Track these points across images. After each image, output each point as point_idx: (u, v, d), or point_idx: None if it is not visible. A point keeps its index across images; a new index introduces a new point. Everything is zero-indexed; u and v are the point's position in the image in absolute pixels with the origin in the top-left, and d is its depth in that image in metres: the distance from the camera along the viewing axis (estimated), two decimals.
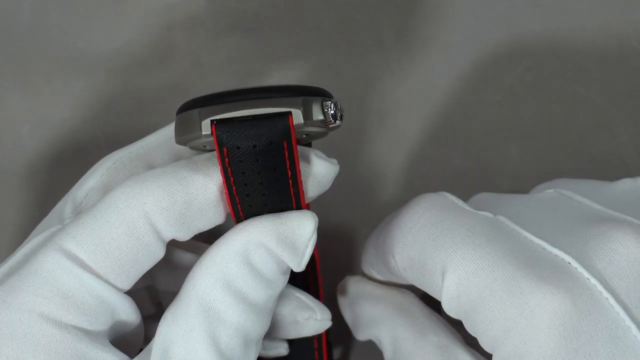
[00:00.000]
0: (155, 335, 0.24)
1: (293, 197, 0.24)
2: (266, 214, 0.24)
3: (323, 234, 0.36)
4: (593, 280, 0.23)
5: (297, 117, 0.22)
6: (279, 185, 0.23)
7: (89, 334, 0.24)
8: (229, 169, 0.23)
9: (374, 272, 0.29)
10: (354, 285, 0.30)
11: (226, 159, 0.22)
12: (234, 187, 0.23)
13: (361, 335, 0.30)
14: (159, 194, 0.24)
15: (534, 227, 0.25)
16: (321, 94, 0.23)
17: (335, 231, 0.37)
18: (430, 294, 0.26)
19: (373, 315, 0.29)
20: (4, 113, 0.38)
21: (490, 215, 0.26)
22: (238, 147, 0.22)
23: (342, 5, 0.40)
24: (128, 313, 0.25)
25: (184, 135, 0.23)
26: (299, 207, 0.24)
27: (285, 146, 0.22)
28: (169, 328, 0.24)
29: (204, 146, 0.24)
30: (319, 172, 0.25)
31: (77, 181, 0.37)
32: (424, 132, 0.38)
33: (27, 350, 0.23)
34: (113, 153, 0.28)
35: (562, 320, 0.22)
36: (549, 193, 0.28)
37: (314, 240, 0.25)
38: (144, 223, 0.24)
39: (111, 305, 0.24)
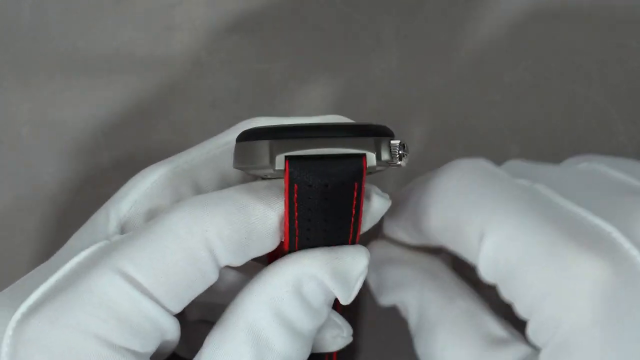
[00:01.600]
0: (201, 357, 0.24)
1: (351, 234, 0.24)
2: (320, 246, 0.24)
3: None
4: (635, 252, 0.23)
5: (371, 159, 0.22)
6: (341, 222, 0.23)
7: (138, 356, 0.23)
8: (296, 205, 0.23)
9: (401, 233, 0.29)
10: (381, 249, 0.30)
11: (295, 195, 0.22)
12: (296, 222, 0.23)
13: (385, 299, 0.29)
14: (221, 222, 0.23)
15: (574, 196, 0.25)
16: (388, 134, 0.23)
17: None
18: (464, 257, 0.26)
19: (401, 279, 0.29)
20: (4, 113, 0.38)
21: (527, 183, 0.26)
22: (309, 185, 0.22)
23: (342, 5, 0.40)
24: (175, 335, 0.25)
25: (250, 164, 0.23)
26: (354, 242, 0.24)
27: (356, 187, 0.22)
28: (214, 352, 0.24)
29: (265, 175, 0.24)
30: (375, 208, 0.25)
31: (76, 181, 0.37)
32: (424, 132, 0.38)
33: None
34: (156, 165, 0.27)
35: (603, 289, 0.22)
36: (584, 166, 0.28)
37: (365, 275, 0.24)
38: (204, 251, 0.23)
39: (163, 329, 0.24)
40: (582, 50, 0.39)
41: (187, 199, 0.24)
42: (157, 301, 0.23)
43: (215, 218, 0.23)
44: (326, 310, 0.25)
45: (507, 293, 0.25)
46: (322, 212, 0.23)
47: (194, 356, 0.25)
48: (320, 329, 0.27)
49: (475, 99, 0.39)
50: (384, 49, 0.39)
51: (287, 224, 0.23)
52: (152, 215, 0.26)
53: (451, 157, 0.37)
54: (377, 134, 0.23)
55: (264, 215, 0.24)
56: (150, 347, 0.24)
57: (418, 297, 0.28)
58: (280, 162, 0.22)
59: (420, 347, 0.28)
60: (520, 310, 0.24)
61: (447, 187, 0.26)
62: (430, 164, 0.38)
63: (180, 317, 0.26)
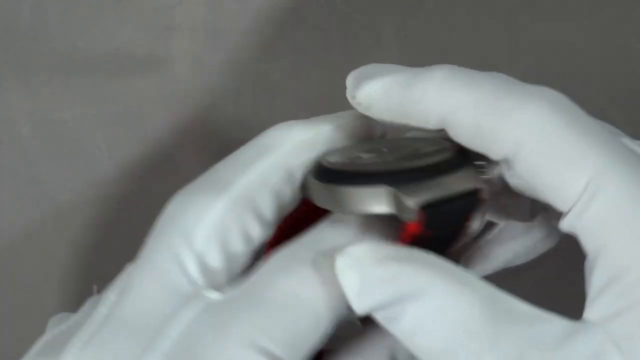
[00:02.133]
0: None
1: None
2: None
3: None
4: None
5: (485, 192, 0.24)
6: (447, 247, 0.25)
7: None
8: (411, 244, 0.23)
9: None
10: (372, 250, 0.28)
11: (417, 235, 0.23)
12: None
13: None
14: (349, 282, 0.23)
15: None
16: (474, 157, 0.24)
17: None
18: (544, 186, 0.24)
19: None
20: (4, 113, 0.38)
21: (612, 131, 0.25)
22: (442, 228, 0.23)
23: (342, 5, 0.40)
24: None
25: (363, 210, 0.23)
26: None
27: (470, 218, 0.24)
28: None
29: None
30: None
31: (76, 181, 0.37)
32: None
33: None
34: (209, 193, 0.25)
35: None
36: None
37: None
38: (328, 313, 0.23)
39: None
40: (582, 50, 0.39)
41: (294, 255, 0.24)
42: None
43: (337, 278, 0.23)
44: None
45: (594, 244, 0.23)
46: (435, 244, 0.24)
47: None
48: None
49: None
50: (384, 49, 0.39)
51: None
52: (228, 255, 0.25)
53: None
54: (471, 160, 0.24)
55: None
56: None
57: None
58: (412, 209, 0.23)
59: None
60: (602, 264, 0.23)
61: (549, 119, 0.24)
62: None
63: None
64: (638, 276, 0.22)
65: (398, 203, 0.23)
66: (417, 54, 0.39)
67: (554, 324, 0.23)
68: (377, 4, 0.40)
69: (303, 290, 0.23)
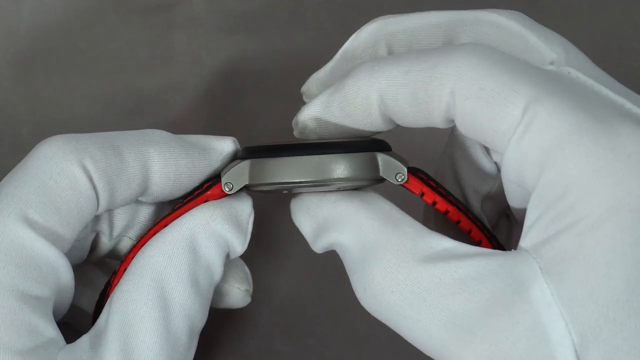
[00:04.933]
0: (108, 313, 0.24)
1: None
2: None
3: None
4: None
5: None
6: None
7: (41, 303, 0.24)
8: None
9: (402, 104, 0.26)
10: (312, 195, 0.27)
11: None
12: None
13: (321, 242, 0.26)
14: (96, 153, 0.25)
15: (606, 83, 0.25)
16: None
17: None
18: (484, 128, 0.24)
19: (336, 215, 0.26)
20: (4, 113, 0.38)
21: (554, 68, 0.25)
22: None
23: (342, 5, 0.40)
24: (68, 277, 0.25)
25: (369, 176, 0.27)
26: None
27: None
28: (124, 306, 0.24)
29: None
30: None
31: None
32: (424, 132, 0.38)
33: None
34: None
35: None
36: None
37: (253, 216, 0.26)
38: (83, 175, 0.24)
39: (56, 265, 0.24)
40: (582, 50, 0.39)
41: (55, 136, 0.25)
42: (51, 236, 0.24)
43: (90, 148, 0.25)
44: (222, 263, 0.26)
45: (533, 175, 0.23)
46: None
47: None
48: (229, 281, 0.28)
49: None
50: None
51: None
52: None
53: None
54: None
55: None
56: (49, 292, 0.24)
57: (357, 229, 0.25)
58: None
59: (359, 283, 0.24)
60: (539, 192, 0.23)
61: (479, 58, 0.24)
62: (430, 163, 0.37)
63: None
64: (572, 199, 0.22)
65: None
66: None
67: (476, 260, 0.23)
68: (377, 4, 0.40)
69: (58, 155, 0.24)
